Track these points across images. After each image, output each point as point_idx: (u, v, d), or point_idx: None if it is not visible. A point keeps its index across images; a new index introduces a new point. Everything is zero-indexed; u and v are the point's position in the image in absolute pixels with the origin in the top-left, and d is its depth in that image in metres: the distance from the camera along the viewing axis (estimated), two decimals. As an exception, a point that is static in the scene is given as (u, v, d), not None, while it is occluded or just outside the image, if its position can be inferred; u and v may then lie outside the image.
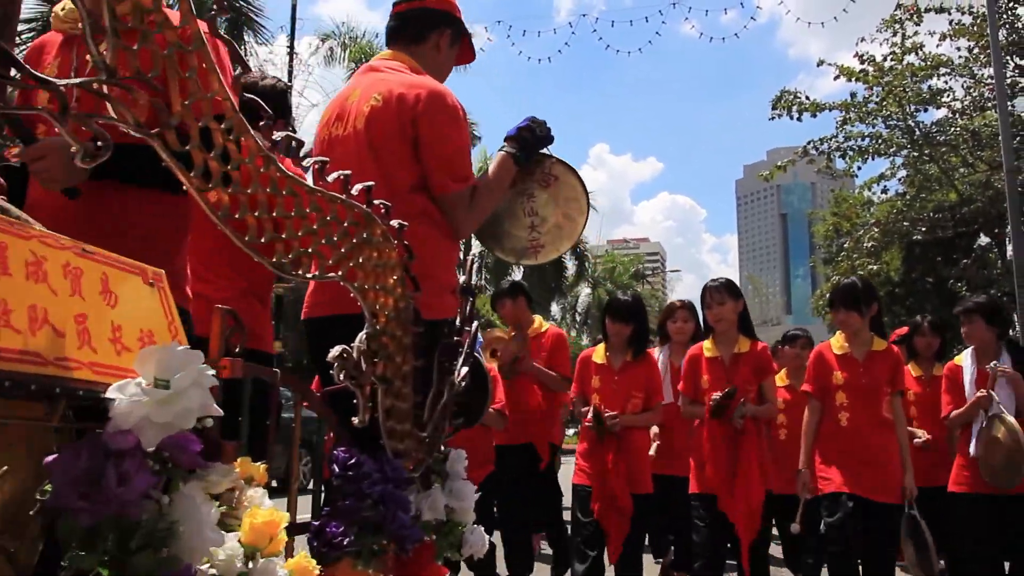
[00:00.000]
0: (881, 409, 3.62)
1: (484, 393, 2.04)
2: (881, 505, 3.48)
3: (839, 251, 19.23)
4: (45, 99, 1.45)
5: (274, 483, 1.28)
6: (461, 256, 2.13)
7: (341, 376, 1.38)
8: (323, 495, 1.60)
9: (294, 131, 2.66)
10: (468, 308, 1.81)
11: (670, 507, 4.21)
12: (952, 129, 16.31)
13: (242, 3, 16.52)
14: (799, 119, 16.79)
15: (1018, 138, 14.40)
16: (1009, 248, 13.58)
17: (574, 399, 4.26)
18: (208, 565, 1.04)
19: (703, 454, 3.71)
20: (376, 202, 1.43)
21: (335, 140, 2.07)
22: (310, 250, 1.27)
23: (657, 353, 4.88)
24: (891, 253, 17.72)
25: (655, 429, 4.48)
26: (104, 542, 0.85)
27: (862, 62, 16.32)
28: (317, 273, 1.29)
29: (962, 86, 16.61)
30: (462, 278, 1.86)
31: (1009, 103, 13.97)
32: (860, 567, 3.52)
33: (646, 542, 4.28)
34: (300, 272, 1.26)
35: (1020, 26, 15.34)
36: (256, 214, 1.15)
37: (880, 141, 16.71)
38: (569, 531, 5.27)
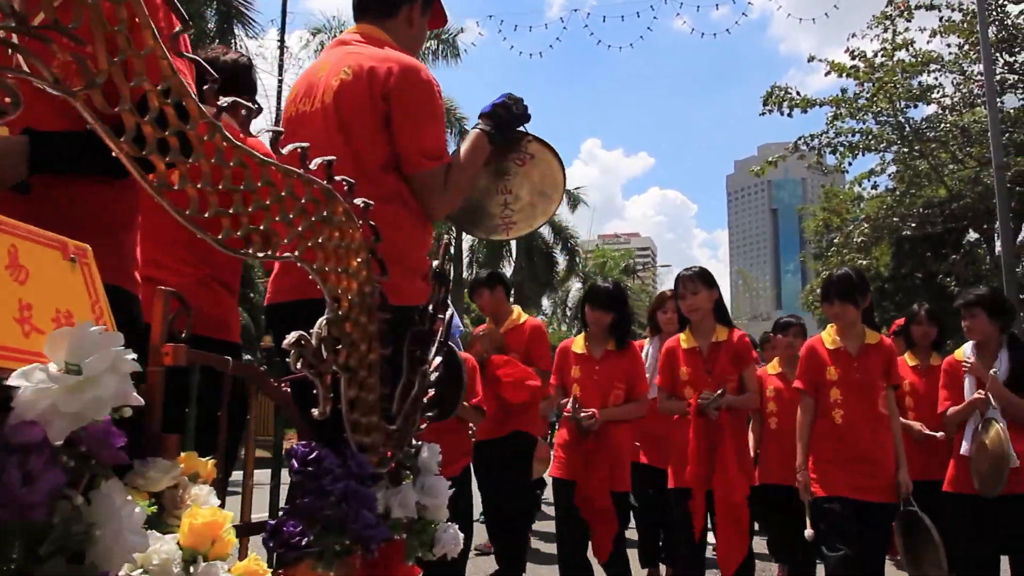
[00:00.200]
0: (877, 405, 3.52)
1: (458, 384, 1.95)
2: (877, 506, 3.39)
3: (829, 246, 19.27)
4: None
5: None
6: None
7: (298, 365, 1.28)
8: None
9: (260, 111, 2.56)
10: (441, 294, 1.71)
11: (661, 503, 4.11)
12: (942, 125, 16.36)
13: (233, -3, 16.37)
14: (790, 115, 16.80)
15: (1007, 134, 14.43)
16: (998, 244, 13.62)
17: (554, 390, 4.13)
18: (140, 572, 0.94)
19: (683, 449, 3.59)
20: (338, 178, 1.33)
21: (303, 117, 1.96)
22: (262, 227, 1.17)
23: (647, 345, 4.77)
24: (881, 249, 17.75)
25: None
26: (9, 548, 0.75)
27: (853, 58, 16.34)
28: (270, 253, 1.19)
29: (952, 82, 16.69)
30: (435, 262, 1.75)
31: (998, 99, 14.01)
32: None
33: (634, 543, 4.17)
34: (251, 251, 1.16)
35: (1009, 23, 15.39)
36: (199, 186, 1.04)
37: (870, 137, 16.74)
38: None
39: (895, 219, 16.94)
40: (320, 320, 1.33)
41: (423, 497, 1.68)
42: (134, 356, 0.85)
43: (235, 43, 17.39)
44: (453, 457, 3.60)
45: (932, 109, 16.93)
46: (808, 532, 3.62)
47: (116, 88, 0.94)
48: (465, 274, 27.78)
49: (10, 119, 0.84)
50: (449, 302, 3.91)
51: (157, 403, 1.13)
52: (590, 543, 3.64)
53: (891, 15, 16.15)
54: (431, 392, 1.71)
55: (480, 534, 5.61)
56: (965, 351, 3.86)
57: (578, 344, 3.97)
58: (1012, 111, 15.71)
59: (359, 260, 1.40)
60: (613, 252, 37.57)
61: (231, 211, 1.11)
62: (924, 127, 16.62)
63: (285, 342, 1.26)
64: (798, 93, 16.79)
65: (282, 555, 1.34)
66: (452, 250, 27.31)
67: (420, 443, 1.71)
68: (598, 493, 3.52)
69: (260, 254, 1.17)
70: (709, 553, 3.88)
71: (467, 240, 27.71)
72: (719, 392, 3.49)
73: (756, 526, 6.56)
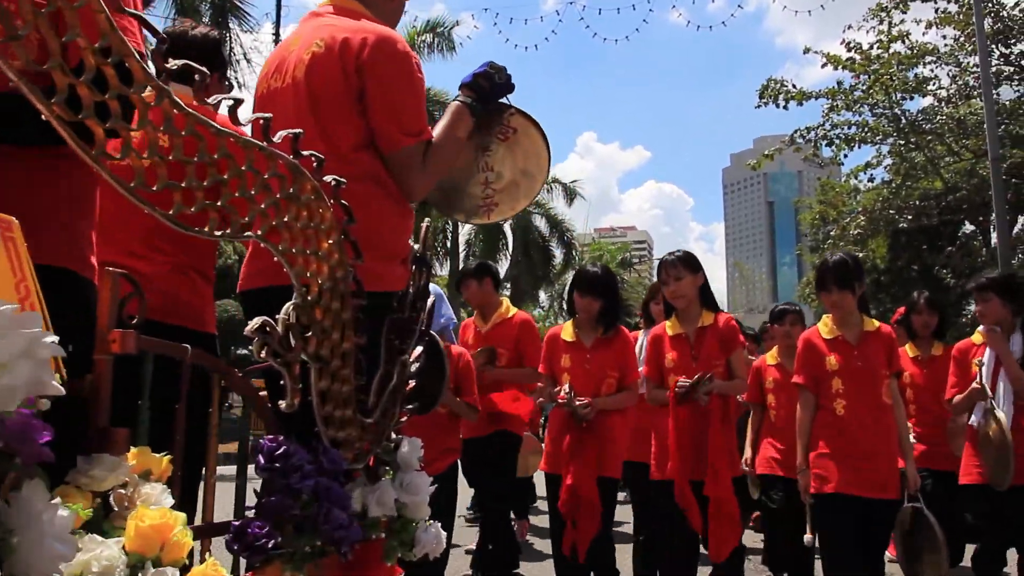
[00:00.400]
0: (880, 394, 3.33)
1: (441, 375, 1.85)
2: (880, 502, 3.24)
3: (825, 239, 19.19)
4: None
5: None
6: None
7: (262, 353, 1.18)
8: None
9: (230, 88, 2.46)
10: (423, 281, 1.62)
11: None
12: (938, 117, 16.30)
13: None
14: (785, 107, 16.73)
15: (1003, 126, 14.35)
16: (994, 236, 13.58)
17: (543, 380, 3.93)
18: (76, 580, 0.85)
19: (665, 439, 3.45)
20: (306, 153, 1.23)
21: (273, 94, 1.84)
22: (219, 204, 1.08)
23: (641, 336, 4.65)
24: (877, 241, 17.69)
25: None
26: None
27: (849, 50, 16.25)
28: (228, 232, 1.10)
29: (948, 74, 16.61)
30: (416, 247, 1.65)
31: (994, 91, 13.94)
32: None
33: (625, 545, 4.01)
34: (207, 229, 1.06)
35: (1005, 15, 15.30)
36: (144, 156, 0.95)
37: (866, 129, 16.66)
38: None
39: (891, 211, 16.87)
40: (287, 305, 1.24)
41: (403, 494, 1.59)
42: (54, 339, 0.75)
43: (230, 37, 17.25)
44: (440, 453, 3.53)
45: (928, 101, 16.88)
46: (807, 537, 3.49)
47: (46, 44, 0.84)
48: (462, 267, 27.64)
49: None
50: (440, 291, 3.75)
51: (104, 394, 1.04)
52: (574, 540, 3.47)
53: (887, 7, 16.07)
54: (411, 384, 1.62)
55: (466, 534, 5.52)
56: (979, 337, 3.71)
57: (567, 332, 3.80)
58: (1008, 103, 15.64)
59: (330, 242, 1.31)
60: (609, 245, 37.45)
61: (183, 185, 1.02)
62: (920, 119, 16.56)
63: (247, 328, 1.17)
64: (794, 86, 16.72)
65: (248, 558, 1.26)
66: (448, 243, 27.25)
67: (400, 437, 1.62)
68: (583, 482, 3.38)
69: (217, 232, 1.08)
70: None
71: (463, 234, 27.63)
72: (707, 375, 3.34)
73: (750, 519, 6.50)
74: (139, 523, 0.94)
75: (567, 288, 3.98)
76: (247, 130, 1.15)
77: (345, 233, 1.34)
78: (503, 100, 2.05)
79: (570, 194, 27.92)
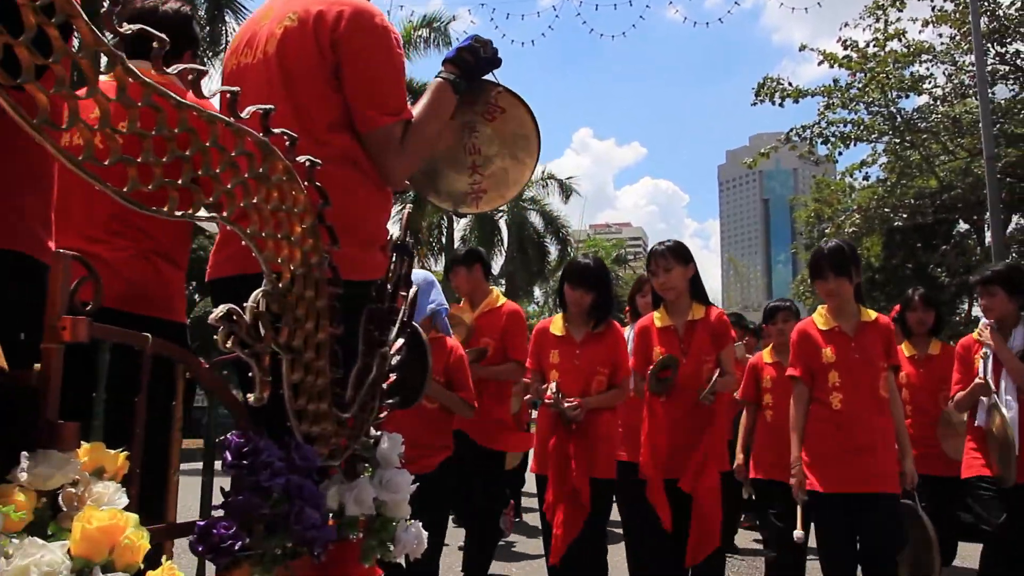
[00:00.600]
0: (877, 388, 3.22)
1: (423, 368, 1.78)
2: (880, 496, 3.10)
3: (820, 236, 19.17)
4: None
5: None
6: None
7: (228, 343, 1.11)
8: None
9: (202, 64, 2.37)
10: (404, 269, 1.55)
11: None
12: (933, 116, 16.31)
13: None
14: (781, 105, 16.69)
15: (997, 125, 14.34)
16: (988, 234, 13.58)
17: (531, 375, 3.78)
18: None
19: (646, 435, 3.33)
20: (277, 131, 1.16)
21: (243, 69, 1.74)
22: (180, 182, 1.00)
23: (628, 332, 4.55)
24: (872, 239, 17.69)
25: None
26: None
27: (845, 48, 16.22)
28: (191, 212, 1.03)
29: (943, 73, 16.62)
30: (396, 233, 1.58)
31: (989, 90, 13.94)
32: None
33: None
34: (167, 209, 0.99)
35: (1001, 14, 15.29)
36: (94, 127, 0.87)
37: (862, 127, 16.65)
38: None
39: (886, 210, 16.86)
40: (255, 293, 1.16)
41: (382, 492, 1.52)
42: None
43: (226, 31, 17.08)
44: (431, 451, 3.41)
45: (924, 100, 16.87)
46: (798, 533, 3.37)
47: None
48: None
49: None
50: (432, 277, 3.63)
51: (53, 386, 0.96)
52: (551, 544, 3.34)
53: (883, 5, 16.04)
54: (392, 377, 1.55)
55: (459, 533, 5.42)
56: (982, 332, 3.61)
57: (556, 326, 3.64)
58: (1003, 102, 15.63)
59: (304, 227, 1.23)
60: (605, 242, 37.43)
61: (139, 160, 0.94)
62: (916, 118, 16.54)
63: (212, 316, 1.09)
64: (790, 84, 16.70)
65: (213, 560, 1.19)
66: (444, 238, 27.16)
67: (380, 433, 1.55)
68: (580, 484, 3.24)
69: (178, 213, 1.00)
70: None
71: (459, 229, 27.56)
72: (715, 377, 3.24)
73: (742, 518, 6.41)
74: (86, 525, 0.87)
75: (559, 281, 3.74)
76: (214, 104, 1.08)
77: (320, 217, 1.27)
78: (490, 77, 1.94)
79: (566, 190, 27.89)
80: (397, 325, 1.52)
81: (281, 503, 1.25)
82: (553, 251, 28.62)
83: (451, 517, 4.72)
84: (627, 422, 3.72)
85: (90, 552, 0.88)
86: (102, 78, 0.91)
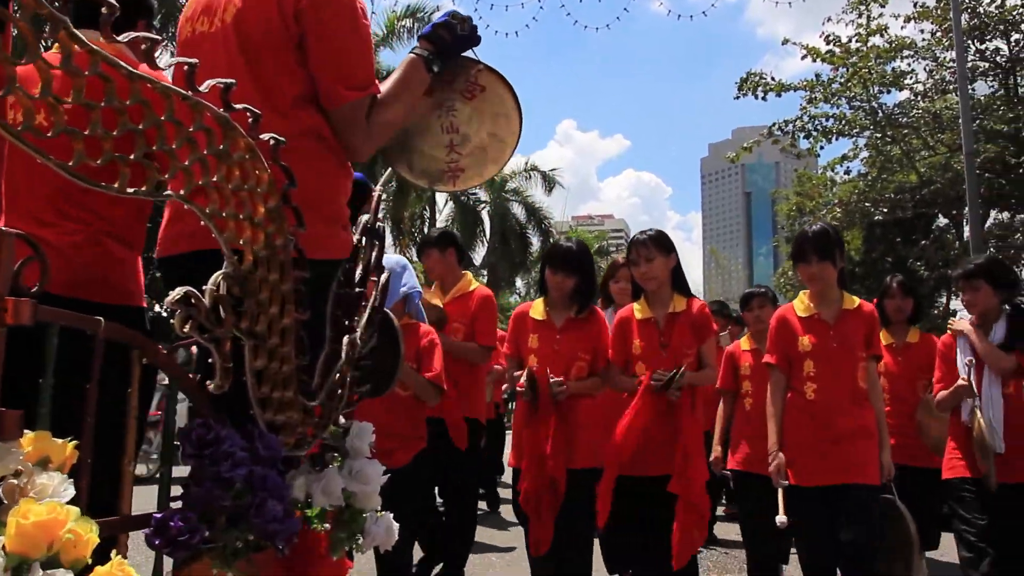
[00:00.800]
0: (856, 378, 3.13)
1: (395, 354, 1.73)
2: (857, 488, 3.01)
3: (801, 230, 19.26)
4: None
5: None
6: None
7: (186, 327, 1.06)
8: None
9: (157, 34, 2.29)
10: (375, 253, 1.50)
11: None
12: (914, 111, 16.41)
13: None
14: (764, 99, 16.74)
15: (977, 121, 14.46)
16: (966, 229, 13.68)
17: (507, 361, 3.67)
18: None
19: (628, 432, 3.15)
20: (239, 107, 1.10)
21: (199, 39, 1.65)
22: (132, 157, 0.95)
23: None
24: (852, 233, 17.81)
25: None
26: None
27: (828, 43, 16.28)
28: (144, 189, 0.97)
29: (924, 69, 16.74)
30: (366, 216, 1.52)
31: (970, 87, 14.05)
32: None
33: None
34: (117, 185, 0.94)
35: (981, 11, 15.41)
36: (35, 96, 0.82)
37: (844, 122, 16.74)
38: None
39: (867, 204, 16.97)
40: (215, 275, 1.11)
41: (351, 483, 1.48)
42: None
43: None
44: (403, 442, 3.31)
45: (905, 95, 16.98)
46: (780, 518, 3.26)
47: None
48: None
49: None
50: (405, 261, 3.52)
51: (-6, 370, 0.91)
52: (529, 538, 3.25)
53: (866, 0, 16.10)
54: (363, 364, 1.50)
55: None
56: (951, 325, 3.54)
57: (536, 310, 3.50)
58: (982, 98, 15.78)
59: (268, 207, 1.18)
60: (587, 233, 37.45)
61: (86, 132, 0.89)
62: (897, 113, 16.65)
63: (168, 299, 1.04)
64: (773, 78, 16.76)
65: (170, 554, 1.14)
66: (426, 228, 27.04)
67: (349, 422, 1.51)
68: (558, 474, 3.14)
69: (130, 190, 0.95)
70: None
71: (441, 220, 27.44)
72: (679, 370, 3.09)
73: (720, 511, 6.38)
74: (20, 520, 0.82)
75: (541, 264, 3.62)
76: (167, 77, 1.03)
77: (286, 198, 1.21)
78: (469, 55, 1.87)
79: (549, 182, 27.86)
80: (368, 311, 1.48)
81: (244, 495, 1.20)
82: (535, 242, 28.61)
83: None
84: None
85: (26, 548, 0.82)
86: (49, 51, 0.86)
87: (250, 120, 1.13)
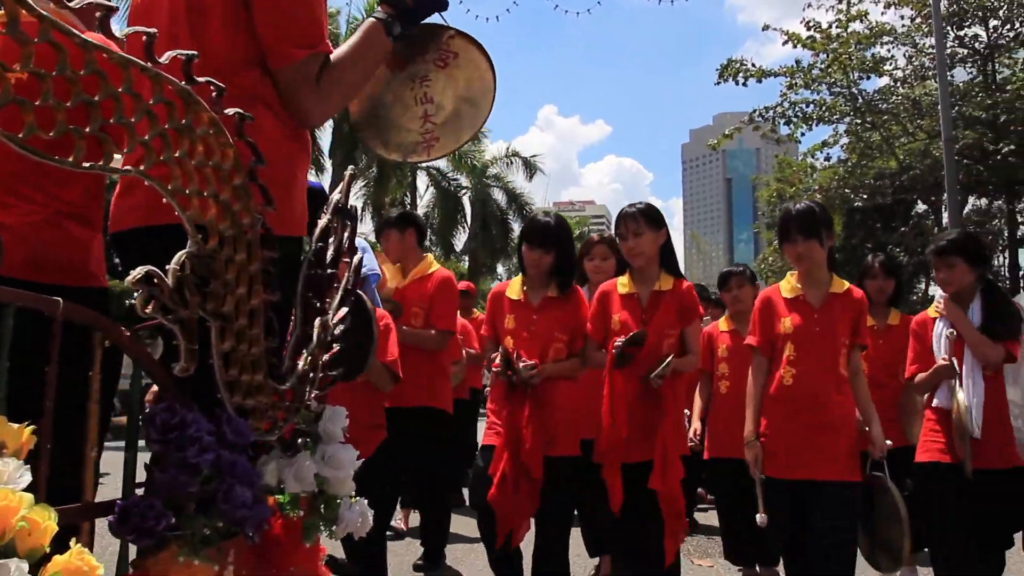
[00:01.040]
0: (837, 365, 2.98)
1: (368, 338, 1.70)
2: (835, 484, 2.88)
3: (782, 216, 19.34)
4: None
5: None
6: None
7: (148, 308, 1.03)
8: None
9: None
10: (348, 235, 1.46)
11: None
12: (893, 97, 16.49)
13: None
14: (744, 85, 16.76)
15: (956, 108, 14.56)
16: (945, 215, 13.81)
17: (485, 342, 3.54)
18: None
19: (614, 416, 2.99)
20: (202, 80, 1.06)
21: (147, 5, 1.58)
22: (88, 130, 0.91)
23: None
24: (832, 219, 17.90)
25: None
26: None
27: (809, 29, 16.30)
28: (101, 164, 0.94)
29: (904, 55, 16.82)
30: (336, 195, 1.48)
31: (948, 73, 14.14)
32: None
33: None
34: (72, 159, 0.90)
35: (961, -3, 15.48)
36: (-19, 63, 0.78)
37: (824, 108, 16.79)
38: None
39: (847, 190, 17.07)
40: (179, 254, 1.08)
41: (324, 469, 1.45)
42: None
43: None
44: (365, 431, 3.19)
45: (884, 81, 17.07)
46: (760, 517, 3.13)
47: None
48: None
49: None
50: (365, 244, 3.42)
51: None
52: (510, 531, 3.09)
53: (846, -16, 16.13)
54: (335, 348, 1.47)
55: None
56: (938, 305, 3.31)
57: (513, 289, 3.34)
58: (961, 85, 15.89)
59: (235, 184, 1.15)
60: (568, 219, 37.40)
61: (37, 103, 0.85)
62: (876, 99, 16.73)
63: (129, 278, 1.00)
64: (753, 64, 16.77)
65: (135, 542, 1.11)
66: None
67: (322, 406, 1.47)
68: (532, 460, 2.99)
69: (86, 164, 0.91)
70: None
71: (421, 206, 27.32)
72: (667, 360, 2.94)
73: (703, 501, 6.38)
74: (-30, 506, 0.79)
75: (518, 240, 3.47)
76: (114, 46, 0.98)
77: (252, 175, 1.18)
78: (440, 21, 1.80)
79: (530, 168, 27.81)
80: (340, 293, 1.45)
81: (211, 480, 1.17)
82: (516, 228, 28.60)
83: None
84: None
85: (-25, 536, 0.79)
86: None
87: (214, 94, 1.09)
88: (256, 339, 1.23)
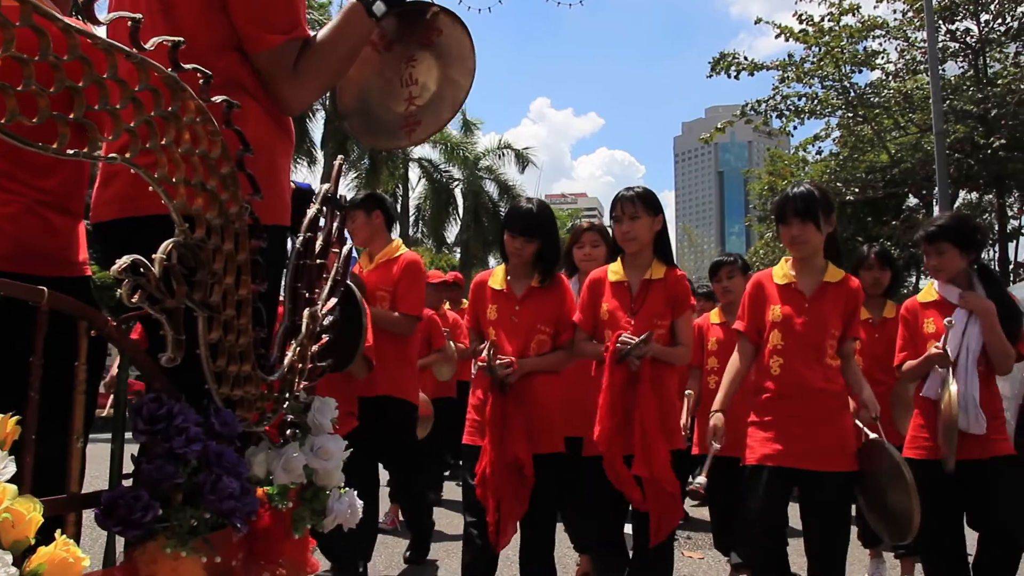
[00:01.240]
0: (824, 355, 2.87)
1: (357, 329, 1.69)
2: (826, 475, 2.77)
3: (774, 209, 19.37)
4: None
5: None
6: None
7: (134, 298, 1.01)
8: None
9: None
10: (338, 224, 1.45)
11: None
12: (885, 91, 16.51)
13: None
14: (737, 78, 16.77)
15: (948, 102, 14.59)
16: (936, 209, 13.86)
17: (469, 333, 3.41)
18: None
19: (608, 410, 2.86)
20: (188, 67, 1.05)
21: None
22: (72, 116, 0.90)
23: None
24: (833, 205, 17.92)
25: None
26: None
27: (801, 22, 16.30)
28: (85, 151, 0.92)
29: (896, 49, 16.83)
30: (325, 185, 1.47)
31: (940, 67, 14.17)
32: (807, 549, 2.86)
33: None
34: (56, 146, 0.89)
35: (952, -9, 15.49)
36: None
37: (815, 101, 16.80)
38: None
39: (838, 184, 17.10)
40: (165, 244, 1.06)
41: (313, 460, 1.44)
42: None
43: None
44: (340, 419, 3.11)
45: (876, 75, 17.09)
46: (700, 479, 3.00)
47: None
48: (411, 231, 27.36)
49: None
50: None
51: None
52: (496, 526, 2.99)
53: (839, -23, 16.14)
54: (324, 338, 1.46)
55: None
56: (931, 294, 3.18)
57: (496, 279, 3.22)
58: (952, 78, 15.92)
59: (223, 172, 1.13)
60: (560, 212, 37.42)
61: (19, 88, 0.84)
62: (868, 92, 16.76)
63: (114, 267, 0.99)
64: (746, 58, 16.78)
65: (122, 534, 1.10)
66: (399, 207, 26.86)
67: (310, 397, 1.47)
68: (521, 454, 2.90)
69: (70, 152, 0.90)
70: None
71: (414, 198, 27.28)
72: (644, 336, 2.83)
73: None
74: (-52, 497, 0.78)
75: (500, 228, 3.32)
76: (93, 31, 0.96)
77: (240, 164, 1.17)
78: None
79: (522, 160, 27.77)
80: (330, 283, 1.44)
81: (198, 471, 1.17)
82: (509, 221, 28.52)
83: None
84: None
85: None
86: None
87: (201, 81, 1.08)
88: (244, 329, 1.22)
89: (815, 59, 16.26)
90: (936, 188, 12.43)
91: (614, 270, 3.13)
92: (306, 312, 1.37)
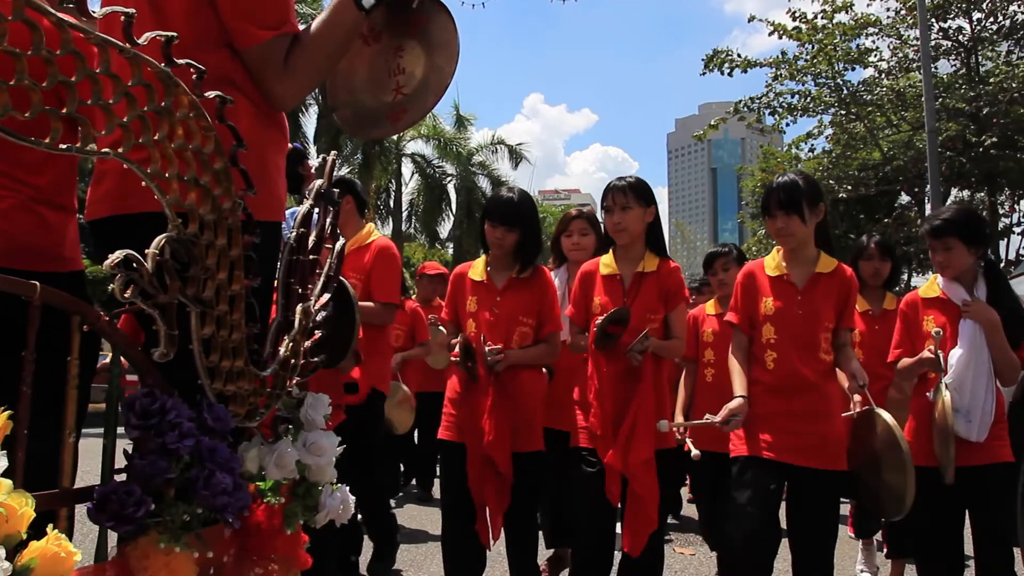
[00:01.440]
0: (818, 349, 2.79)
1: (351, 324, 1.69)
2: (818, 472, 2.70)
3: (766, 206, 19.41)
4: None
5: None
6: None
7: (127, 293, 1.01)
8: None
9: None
10: (331, 220, 1.45)
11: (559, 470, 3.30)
12: (878, 89, 16.56)
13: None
14: (730, 75, 16.79)
15: (940, 100, 14.65)
16: (928, 207, 13.94)
17: (446, 326, 3.35)
18: None
19: (588, 397, 2.84)
20: (182, 62, 1.05)
21: None
22: (64, 111, 0.90)
23: (554, 277, 3.70)
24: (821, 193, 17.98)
25: None
26: None
27: (794, 19, 16.33)
28: (78, 146, 0.92)
29: (888, 46, 16.87)
30: (318, 181, 1.47)
31: (932, 65, 14.22)
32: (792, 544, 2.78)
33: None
34: (48, 141, 0.88)
35: (945, -11, 15.54)
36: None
37: (808, 99, 16.84)
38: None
39: (831, 181, 17.15)
40: (158, 239, 1.06)
41: (306, 455, 1.44)
42: None
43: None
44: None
45: (869, 72, 17.14)
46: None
47: None
48: (404, 227, 27.34)
49: None
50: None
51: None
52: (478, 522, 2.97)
53: (832, -25, 16.17)
54: (317, 334, 1.46)
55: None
56: (934, 289, 3.04)
57: (476, 270, 3.17)
58: (945, 76, 15.98)
59: (216, 168, 1.13)
60: (553, 208, 37.43)
61: (11, 83, 0.84)
62: (861, 90, 16.81)
63: (107, 262, 0.99)
64: (739, 55, 16.80)
65: (114, 528, 1.10)
66: (392, 202, 26.82)
67: (303, 393, 1.47)
68: (498, 453, 2.85)
69: (63, 146, 0.90)
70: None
71: (407, 193, 27.24)
72: (643, 334, 2.79)
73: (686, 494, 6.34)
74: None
75: (480, 218, 3.24)
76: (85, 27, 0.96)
77: (233, 159, 1.16)
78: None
79: (515, 156, 27.77)
80: (323, 279, 1.44)
81: (191, 467, 1.17)
82: (502, 217, 28.48)
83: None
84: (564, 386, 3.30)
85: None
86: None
87: (194, 77, 1.08)
88: (237, 325, 1.22)
89: (808, 56, 16.30)
90: (928, 186, 12.50)
91: (606, 263, 3.07)
92: (299, 308, 1.37)
